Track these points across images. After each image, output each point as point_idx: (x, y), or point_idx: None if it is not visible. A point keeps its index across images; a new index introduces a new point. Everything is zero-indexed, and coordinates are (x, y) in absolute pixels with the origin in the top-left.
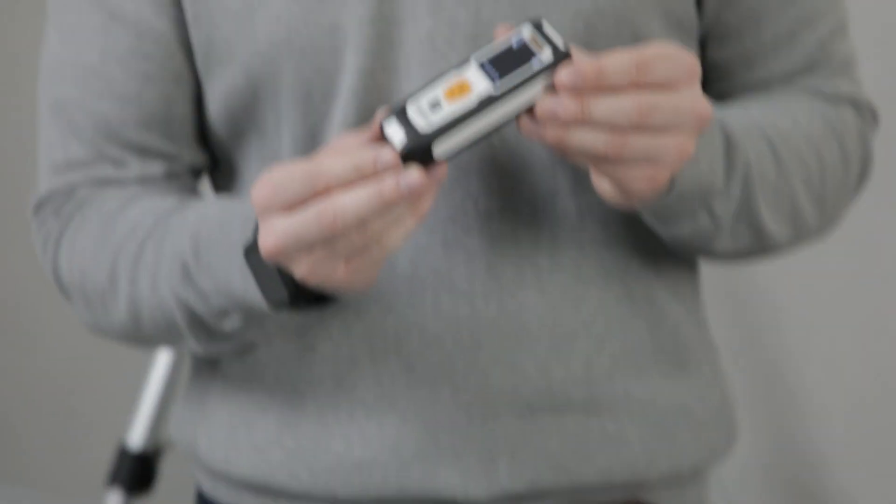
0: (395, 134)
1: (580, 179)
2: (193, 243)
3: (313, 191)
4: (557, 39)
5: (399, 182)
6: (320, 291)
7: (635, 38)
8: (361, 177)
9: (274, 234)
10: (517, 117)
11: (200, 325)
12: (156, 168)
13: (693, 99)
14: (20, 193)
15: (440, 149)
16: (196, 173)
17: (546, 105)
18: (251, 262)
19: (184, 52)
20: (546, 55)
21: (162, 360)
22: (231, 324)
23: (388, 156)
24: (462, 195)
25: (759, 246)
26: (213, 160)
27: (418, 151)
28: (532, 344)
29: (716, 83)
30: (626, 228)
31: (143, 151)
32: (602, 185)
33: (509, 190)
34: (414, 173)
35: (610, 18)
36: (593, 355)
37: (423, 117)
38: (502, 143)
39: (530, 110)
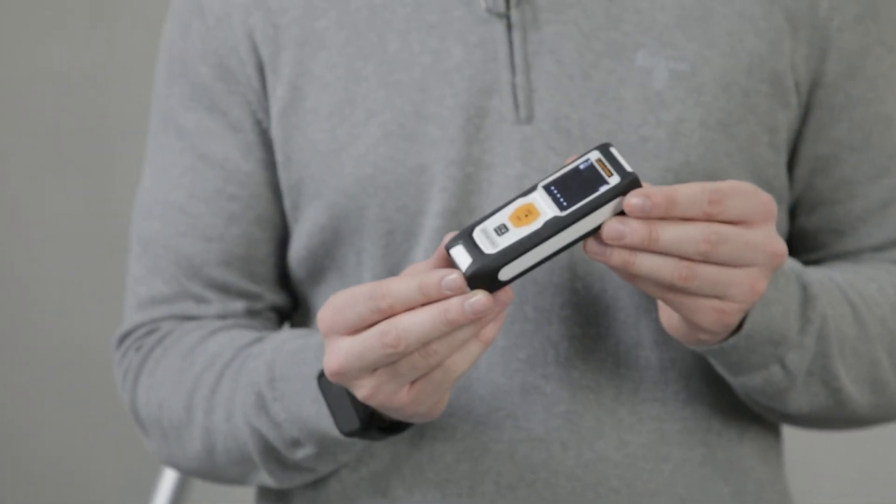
0: (462, 257)
1: (664, 331)
2: (269, 373)
3: (378, 311)
4: (625, 164)
5: (464, 304)
6: (392, 420)
7: None
8: (426, 298)
9: (337, 355)
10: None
11: (273, 456)
12: (237, 306)
13: (766, 236)
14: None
15: (506, 272)
16: (279, 313)
17: (613, 227)
18: (324, 389)
19: (270, 194)
20: (614, 179)
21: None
22: (304, 454)
23: (454, 278)
24: (542, 340)
25: (838, 410)
26: (294, 302)
27: (484, 275)
28: (610, 498)
29: (804, 252)
30: (708, 386)
31: (225, 290)
32: (670, 318)
33: (591, 338)
34: (480, 296)
35: (701, 175)
36: None
37: (490, 241)
38: (586, 290)
39: (597, 232)
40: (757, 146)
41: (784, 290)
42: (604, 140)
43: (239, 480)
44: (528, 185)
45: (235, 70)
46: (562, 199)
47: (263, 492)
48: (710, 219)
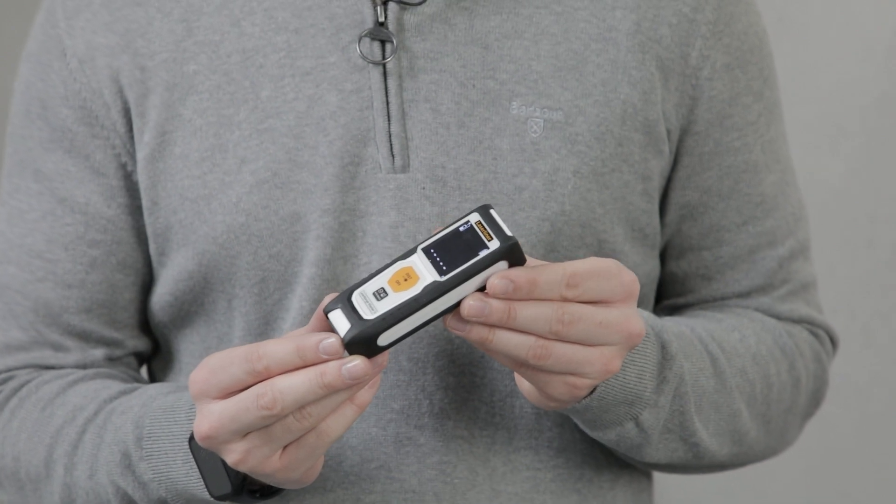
0: (341, 322)
1: None
2: (137, 431)
3: (253, 374)
4: (505, 228)
5: (341, 369)
6: (265, 485)
7: (599, 243)
8: (304, 362)
9: (208, 418)
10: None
11: None
12: (97, 354)
13: (623, 316)
14: None
15: (385, 338)
16: (139, 358)
17: (473, 305)
18: (195, 451)
19: (134, 239)
20: (494, 244)
21: None
22: None
23: (331, 342)
24: (417, 391)
25: (697, 461)
26: (154, 346)
27: (362, 341)
28: None
29: (673, 296)
30: (580, 433)
31: (85, 337)
32: (524, 385)
33: (466, 388)
34: (357, 361)
35: (575, 224)
36: None
37: (369, 306)
38: (461, 340)
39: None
40: (630, 195)
41: (641, 352)
42: (479, 190)
43: None
44: (402, 234)
45: (99, 113)
46: (441, 263)
47: None
48: (565, 300)
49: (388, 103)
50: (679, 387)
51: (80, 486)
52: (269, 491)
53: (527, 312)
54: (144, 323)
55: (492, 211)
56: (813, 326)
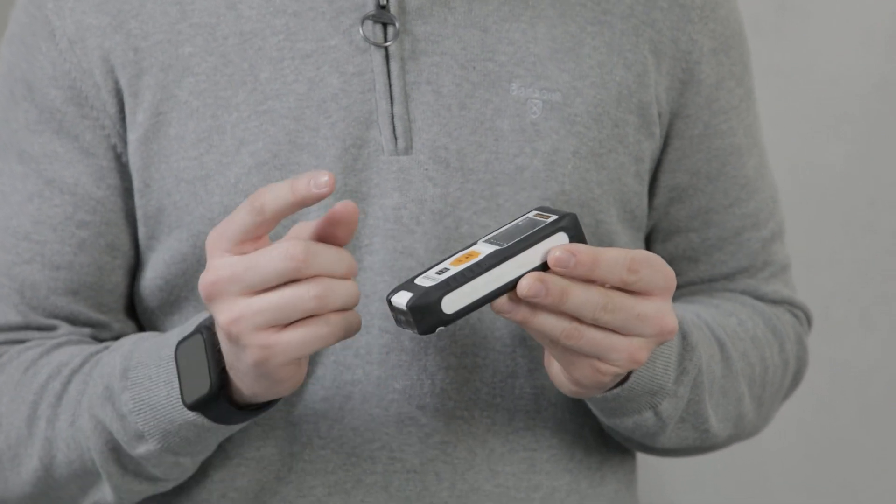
0: (402, 297)
1: (538, 362)
2: (124, 363)
3: (254, 211)
4: (563, 210)
5: (309, 179)
6: (242, 403)
7: (597, 223)
8: (294, 195)
9: (222, 267)
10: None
11: (115, 456)
12: (84, 333)
13: (660, 311)
14: None
15: (449, 302)
16: None
17: (533, 285)
18: (181, 354)
19: (123, 221)
20: (552, 218)
21: None
22: (146, 449)
23: (321, 173)
24: (419, 371)
25: (700, 444)
26: (140, 332)
27: (426, 305)
28: None
29: None
30: (573, 414)
31: (72, 319)
32: (552, 367)
33: (467, 368)
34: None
35: (575, 204)
36: None
37: (430, 279)
38: (463, 320)
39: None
40: (625, 176)
41: (667, 347)
42: (481, 171)
43: (77, 501)
44: (405, 216)
45: (89, 94)
46: (501, 242)
47: None
48: (625, 286)
49: (390, 86)
50: (697, 377)
51: (61, 438)
52: (244, 414)
53: (577, 297)
54: (130, 307)
55: (546, 203)
56: (793, 307)
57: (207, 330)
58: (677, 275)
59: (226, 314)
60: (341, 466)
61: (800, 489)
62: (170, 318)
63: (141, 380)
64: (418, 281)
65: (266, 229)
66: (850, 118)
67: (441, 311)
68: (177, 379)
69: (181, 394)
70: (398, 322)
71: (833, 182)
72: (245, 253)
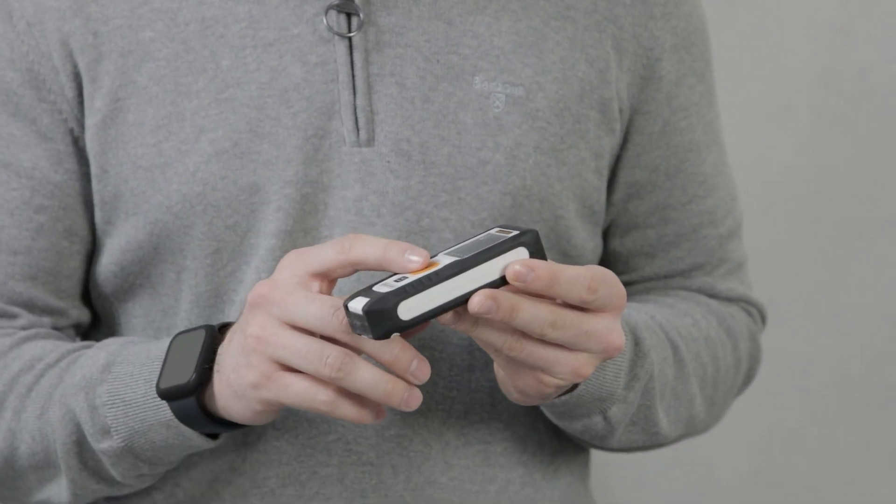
0: (358, 303)
1: None
2: (109, 358)
3: (342, 252)
4: (525, 228)
5: (403, 397)
6: (213, 410)
7: (556, 218)
8: (386, 263)
9: (283, 284)
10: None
11: (77, 449)
12: (44, 321)
13: (608, 328)
14: None
15: (405, 309)
16: (78, 331)
17: (484, 303)
18: (176, 342)
19: (81, 206)
20: (513, 233)
21: None
22: (108, 445)
23: (419, 251)
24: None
25: (649, 444)
26: (93, 319)
27: (382, 310)
28: None
29: (616, 273)
30: (530, 409)
31: (30, 306)
32: (498, 373)
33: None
34: (416, 392)
35: (535, 199)
36: None
37: (388, 286)
38: None
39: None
40: (585, 171)
41: (618, 356)
42: (444, 164)
43: (32, 493)
44: (366, 208)
45: (47, 77)
46: (463, 254)
47: None
48: (583, 304)
49: (353, 77)
50: (648, 382)
51: (26, 429)
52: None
53: (527, 314)
54: (86, 293)
55: (509, 224)
56: (748, 305)
57: (213, 330)
58: (634, 270)
59: (255, 328)
60: (296, 458)
61: (744, 477)
62: (124, 304)
63: (122, 376)
64: (376, 288)
65: (342, 273)
66: (795, 109)
67: (397, 316)
68: (153, 380)
69: (158, 378)
70: (354, 328)
71: (778, 173)
72: (309, 286)
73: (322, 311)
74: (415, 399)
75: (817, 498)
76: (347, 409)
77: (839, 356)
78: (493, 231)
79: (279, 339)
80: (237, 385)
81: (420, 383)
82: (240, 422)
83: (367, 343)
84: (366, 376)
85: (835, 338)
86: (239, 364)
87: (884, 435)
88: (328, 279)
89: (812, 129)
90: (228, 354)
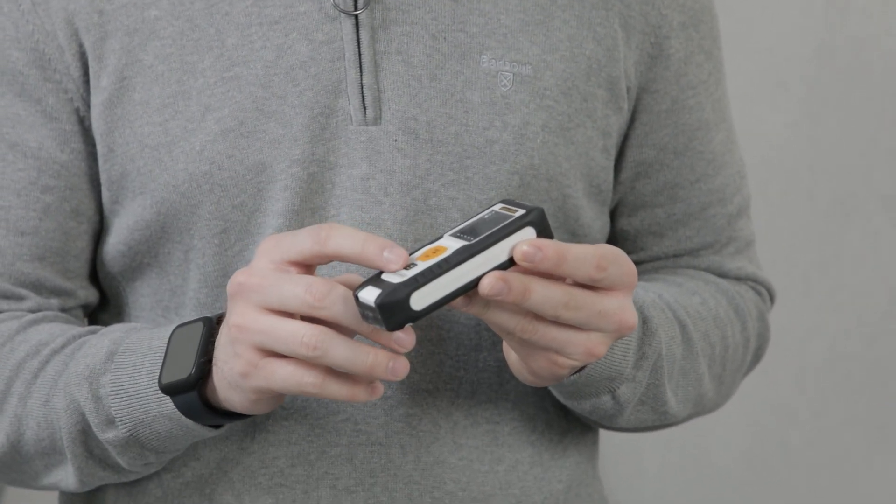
0: (370, 294)
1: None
2: (112, 346)
3: (319, 243)
4: (529, 204)
5: (388, 365)
6: (216, 403)
7: (564, 197)
8: (363, 258)
9: (258, 272)
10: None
11: (82, 438)
12: (52, 303)
13: (620, 306)
14: None
15: (418, 299)
16: (85, 311)
17: (494, 284)
18: (175, 337)
19: (87, 186)
20: (519, 213)
21: None
22: (113, 435)
23: (398, 252)
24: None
25: (659, 423)
26: (101, 299)
27: (395, 302)
28: (446, 501)
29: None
30: (538, 388)
31: (38, 286)
32: (510, 355)
33: (432, 341)
34: (403, 362)
35: (543, 178)
36: None
37: (399, 275)
38: None
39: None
40: (592, 151)
41: (627, 336)
42: (451, 143)
43: (39, 477)
44: (373, 187)
45: (52, 56)
46: (468, 237)
47: (69, 500)
48: (592, 283)
49: (360, 55)
50: (657, 361)
51: (32, 416)
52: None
53: (538, 295)
54: (94, 274)
55: (514, 199)
56: (756, 284)
57: (210, 322)
58: (642, 249)
59: (236, 318)
60: (305, 438)
61: (737, 454)
62: (132, 284)
63: (125, 366)
64: (385, 277)
65: (319, 262)
66: (789, 85)
67: (410, 307)
68: (157, 370)
69: (160, 374)
70: (365, 318)
71: (772, 148)
72: (286, 271)
73: (295, 290)
74: (401, 367)
75: (811, 473)
76: (336, 389)
77: (833, 332)
78: (497, 208)
79: (259, 325)
80: (230, 376)
81: (405, 350)
82: (244, 412)
83: (344, 316)
84: (344, 351)
85: (829, 314)
86: (228, 355)
87: (878, 411)
88: (305, 266)
89: (806, 105)
90: (220, 346)
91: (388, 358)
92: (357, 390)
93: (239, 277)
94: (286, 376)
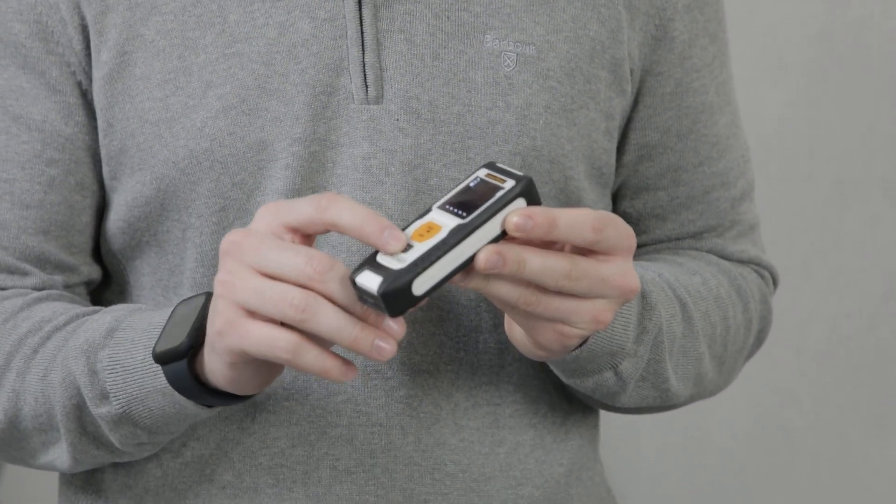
0: (370, 281)
1: (502, 317)
2: (113, 323)
3: (319, 209)
4: (515, 171)
5: (374, 342)
6: (214, 390)
7: (566, 179)
8: (362, 235)
9: (249, 232)
10: None
11: (77, 413)
12: (56, 279)
13: (622, 271)
14: None
15: (419, 285)
16: (88, 288)
17: (490, 258)
18: (178, 308)
19: (90, 160)
20: (509, 184)
21: None
22: (107, 410)
23: (397, 235)
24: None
25: (661, 402)
26: (104, 277)
27: (397, 290)
28: (447, 483)
29: None
30: (536, 370)
31: (42, 261)
32: (514, 331)
33: (433, 322)
34: (390, 342)
35: (545, 160)
36: (509, 500)
37: (397, 259)
38: None
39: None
40: (595, 133)
41: (627, 307)
42: (453, 123)
43: (37, 455)
44: (374, 166)
45: (55, 29)
46: (460, 212)
47: (68, 480)
48: (590, 246)
49: (362, 33)
50: (657, 336)
51: (30, 391)
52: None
53: (536, 265)
54: (97, 250)
55: (497, 163)
56: (759, 267)
57: (212, 296)
58: (644, 232)
59: (223, 274)
60: (305, 418)
61: (739, 437)
62: (132, 262)
63: (123, 342)
64: (382, 260)
65: (316, 230)
66: (789, 67)
67: (412, 294)
68: (152, 345)
69: (155, 344)
70: (364, 301)
71: (772, 131)
72: (283, 238)
73: (296, 259)
74: (387, 349)
75: (811, 456)
76: (310, 359)
77: (833, 315)
78: (482, 174)
79: (246, 283)
80: (210, 336)
81: (395, 339)
82: (225, 386)
83: (340, 294)
84: (332, 318)
85: (829, 297)
86: (213, 313)
87: (878, 393)
88: (303, 234)
89: (807, 87)
90: (210, 308)
91: (374, 335)
92: (331, 364)
93: (235, 236)
94: (260, 337)
